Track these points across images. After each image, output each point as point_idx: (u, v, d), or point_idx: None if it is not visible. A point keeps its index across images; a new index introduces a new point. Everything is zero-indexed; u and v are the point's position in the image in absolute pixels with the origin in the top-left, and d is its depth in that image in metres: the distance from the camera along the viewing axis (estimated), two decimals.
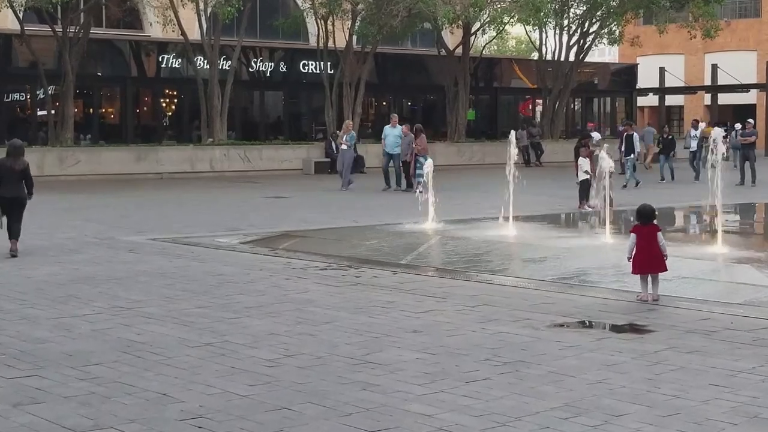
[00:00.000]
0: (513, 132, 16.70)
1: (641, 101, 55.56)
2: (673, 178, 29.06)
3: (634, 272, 9.93)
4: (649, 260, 9.79)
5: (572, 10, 41.60)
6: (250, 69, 38.19)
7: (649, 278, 9.84)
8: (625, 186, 25.40)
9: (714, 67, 50.63)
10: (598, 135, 28.01)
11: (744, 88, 50.83)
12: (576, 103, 50.08)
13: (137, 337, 7.92)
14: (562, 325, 8.64)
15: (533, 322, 8.72)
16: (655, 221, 10.02)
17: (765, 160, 42.24)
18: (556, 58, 42.50)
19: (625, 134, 27.52)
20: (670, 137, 30.51)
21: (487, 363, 7.12)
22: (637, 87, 50.90)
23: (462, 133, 39.93)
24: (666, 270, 9.83)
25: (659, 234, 9.85)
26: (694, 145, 30.19)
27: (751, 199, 22.45)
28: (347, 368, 6.91)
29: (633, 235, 9.93)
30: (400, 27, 35.70)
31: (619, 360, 7.23)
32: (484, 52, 44.92)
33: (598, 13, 40.53)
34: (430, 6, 33.06)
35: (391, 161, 26.33)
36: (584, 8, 40.94)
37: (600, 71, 50.62)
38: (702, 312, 9.14)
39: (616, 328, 8.57)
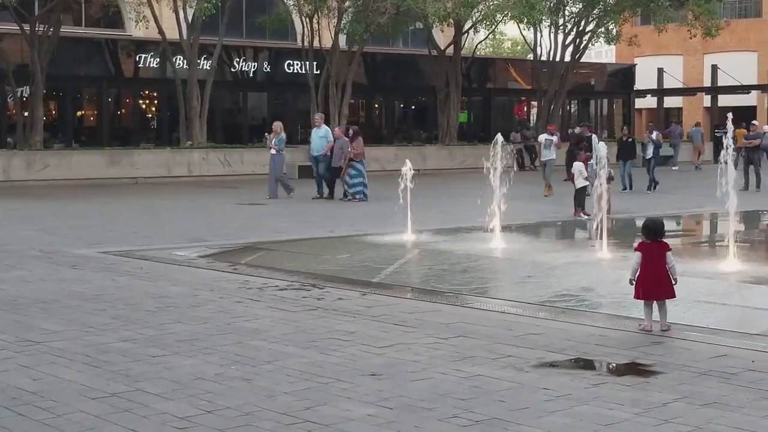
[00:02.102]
0: (499, 134, 15.28)
1: (639, 103, 54.28)
2: (630, 187, 26.24)
3: (637, 297, 8.55)
4: (655, 284, 8.40)
5: (568, 8, 40.22)
6: (232, 69, 36.77)
7: (655, 304, 8.47)
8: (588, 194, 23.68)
9: (714, 68, 49.29)
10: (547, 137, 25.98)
11: (744, 89, 49.52)
12: (572, 104, 48.78)
13: (30, 384, 6.50)
14: (551, 365, 7.24)
15: (517, 361, 7.32)
16: (664, 238, 8.64)
17: (765, 164, 40.98)
18: (551, 59, 41.11)
19: (589, 136, 25.36)
20: (629, 140, 27.94)
21: (454, 422, 5.71)
22: (634, 88, 49.58)
23: (454, 136, 38.54)
24: (674, 296, 8.46)
25: (669, 254, 8.47)
26: (650, 151, 27.34)
27: (757, 205, 21.07)
28: (277, 430, 5.50)
29: (638, 253, 8.54)
30: (389, 25, 34.33)
31: (619, 417, 5.82)
32: (477, 52, 43.57)
33: (595, 12, 39.15)
34: (419, 3, 31.70)
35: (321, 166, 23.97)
36: (580, 6, 39.57)
37: (597, 72, 49.31)
38: (716, 347, 7.76)
39: (615, 370, 7.17)
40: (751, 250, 13.83)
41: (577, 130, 27.24)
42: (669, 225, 18.59)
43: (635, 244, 8.75)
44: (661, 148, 28.79)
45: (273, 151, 23.67)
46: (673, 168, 38.12)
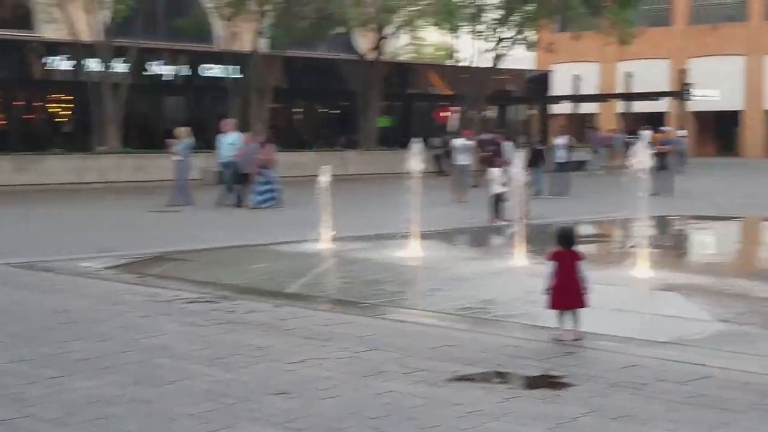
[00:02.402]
0: (415, 139, 15.19)
1: (556, 109, 54.95)
2: (542, 193, 26.10)
3: (550, 307, 8.52)
4: (568, 293, 8.39)
5: (487, 15, 40.44)
6: (149, 72, 36.07)
7: (568, 313, 8.45)
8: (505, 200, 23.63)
9: (627, 75, 50.16)
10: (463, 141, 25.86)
11: (655, 96, 50.48)
12: (491, 110, 49.12)
13: None
14: (464, 379, 7.14)
15: (430, 375, 7.21)
16: (576, 246, 8.63)
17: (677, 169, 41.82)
18: (471, 64, 41.30)
19: (501, 144, 25.44)
20: (539, 148, 27.86)
21: None
22: (551, 95, 50.15)
23: (374, 141, 38.47)
24: (586, 305, 8.45)
25: (581, 263, 8.46)
26: (561, 156, 27.44)
27: (668, 211, 21.37)
28: None
29: (551, 262, 8.52)
30: (310, 30, 34.13)
31: None
32: (398, 57, 43.60)
33: (514, 19, 39.47)
34: (340, 8, 31.55)
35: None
36: (500, 14, 39.85)
37: (515, 78, 49.73)
38: (627, 356, 7.75)
39: (528, 382, 7.11)
40: (662, 256, 13.97)
41: (484, 136, 27.44)
42: (583, 231, 18.78)
43: (548, 254, 8.73)
44: (570, 153, 28.70)
45: (177, 158, 23.15)
46: (598, 172, 38.66)
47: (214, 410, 6.17)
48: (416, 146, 14.53)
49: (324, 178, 15.05)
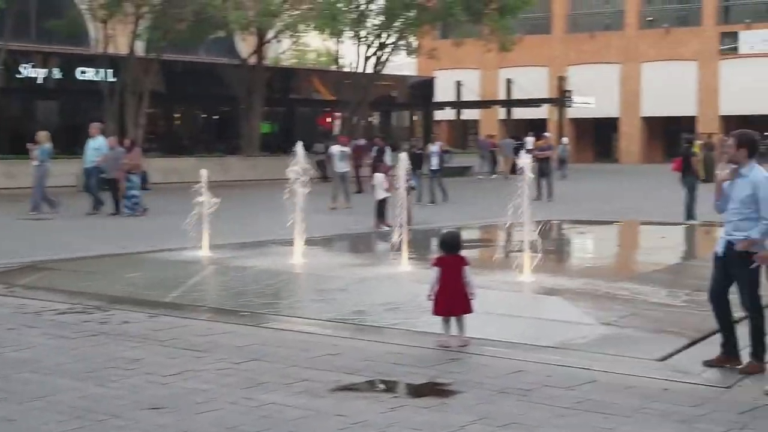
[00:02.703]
0: (300, 143, 14.92)
1: (439, 115, 55.40)
2: (421, 198, 25.24)
3: (435, 313, 8.39)
4: (453, 300, 8.29)
5: (370, 20, 40.44)
6: (18, 75, 34.68)
7: (453, 319, 8.34)
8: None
9: (508, 82, 50.94)
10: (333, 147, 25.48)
11: (536, 102, 51.40)
12: (375, 116, 49.18)
13: None
14: (347, 388, 6.92)
15: (313, 385, 6.97)
16: (461, 252, 8.52)
17: (557, 174, 42.56)
18: (354, 70, 41.21)
19: (377, 148, 25.45)
20: (418, 152, 26.99)
21: None
22: (434, 101, 50.52)
23: (256, 147, 37.97)
24: (471, 311, 8.35)
25: (466, 268, 8.37)
26: (435, 163, 26.72)
27: (549, 215, 21.62)
28: None
29: (436, 268, 8.40)
30: (189, 33, 33.45)
31: None
32: (281, 62, 43.17)
33: (396, 25, 39.54)
34: (220, 11, 31.01)
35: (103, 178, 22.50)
36: (382, 19, 39.87)
37: (398, 84, 49.90)
38: (513, 361, 7.68)
39: (414, 390, 6.94)
40: (545, 260, 14.00)
41: (362, 141, 27.17)
42: (466, 236, 18.80)
43: (433, 259, 8.60)
44: (445, 159, 28.61)
45: (35, 163, 22.24)
46: (492, 177, 39.09)
47: (82, 428, 5.80)
48: (298, 151, 14.26)
49: (203, 184, 14.61)
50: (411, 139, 29.34)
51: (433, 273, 8.42)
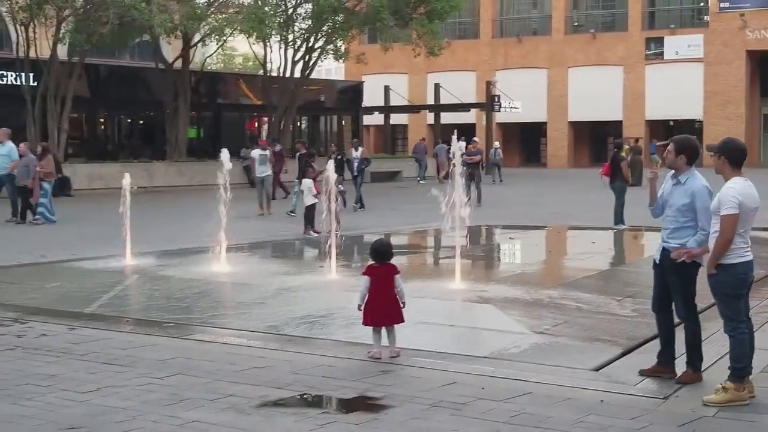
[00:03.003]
0: (225, 149, 14.60)
1: (367, 120, 55.21)
2: (345, 204, 24.16)
3: (366, 323, 8.17)
4: (384, 310, 8.07)
5: (297, 24, 40.14)
6: None
7: (384, 330, 8.13)
8: (293, 213, 22.53)
9: (436, 87, 51.01)
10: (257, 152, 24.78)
11: (464, 107, 51.53)
12: (303, 121, 48.85)
13: None
14: (275, 404, 6.66)
15: (239, 401, 6.70)
16: (392, 260, 8.31)
17: (486, 178, 42.70)
18: (281, 74, 40.83)
19: (298, 154, 24.11)
20: (339, 157, 26.18)
21: None
22: (362, 105, 50.37)
23: (183, 152, 37.36)
24: (403, 321, 8.14)
25: (397, 276, 8.15)
26: (355, 167, 26.52)
27: (478, 221, 21.58)
28: None
29: (366, 277, 8.17)
30: (113, 36, 32.74)
31: None
32: (207, 66, 42.58)
33: (324, 29, 39.29)
34: (144, 14, 30.39)
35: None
36: (309, 23, 39.59)
37: (327, 89, 49.66)
38: (446, 373, 7.49)
39: (344, 405, 6.71)
40: (475, 267, 13.93)
41: (278, 147, 26.60)
42: (397, 243, 18.62)
43: (363, 268, 8.38)
44: (367, 165, 28.03)
45: None
46: (420, 182, 38.94)
47: None
48: (224, 157, 13.96)
49: (126, 190, 14.20)
50: (331, 145, 28.28)
51: (363, 282, 8.20)
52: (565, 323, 9.28)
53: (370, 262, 8.33)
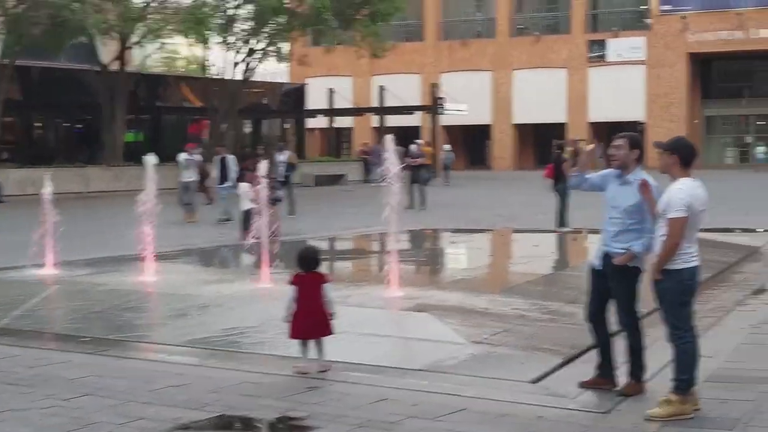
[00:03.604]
0: (151, 155, 14.01)
1: (312, 123, 54.73)
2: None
3: (292, 336, 7.66)
4: (311, 321, 7.57)
5: (238, 25, 39.46)
6: None
7: (312, 342, 7.63)
8: (221, 220, 21.81)
9: (381, 89, 50.62)
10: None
11: (409, 110, 51.23)
12: (246, 124, 48.18)
13: None
14: (186, 428, 6.12)
15: (149, 425, 6.16)
16: (320, 268, 7.81)
17: (437, 181, 42.43)
18: (222, 77, 40.13)
19: (219, 158, 23.30)
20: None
21: None
22: (306, 108, 49.84)
23: (120, 157, 36.47)
24: (332, 333, 7.65)
25: (325, 286, 7.65)
26: (281, 172, 24.70)
27: (421, 224, 21.18)
28: None
29: (292, 287, 7.67)
30: (46, 38, 31.87)
31: None
32: (147, 69, 41.73)
33: (265, 30, 38.68)
34: (77, 14, 29.57)
35: None
36: (250, 24, 38.96)
37: (270, 91, 49.02)
38: (377, 388, 7.02)
39: (265, 427, 6.20)
40: (415, 273, 13.49)
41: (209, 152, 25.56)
42: (336, 247, 18.12)
43: (289, 278, 7.86)
44: (293, 170, 27.12)
45: None
46: (381, 184, 38.42)
47: None
48: (150, 161, 13.37)
49: (47, 195, 13.54)
50: (257, 147, 26.99)
51: (290, 292, 7.69)
52: (505, 332, 8.85)
53: (297, 271, 7.83)
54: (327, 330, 7.64)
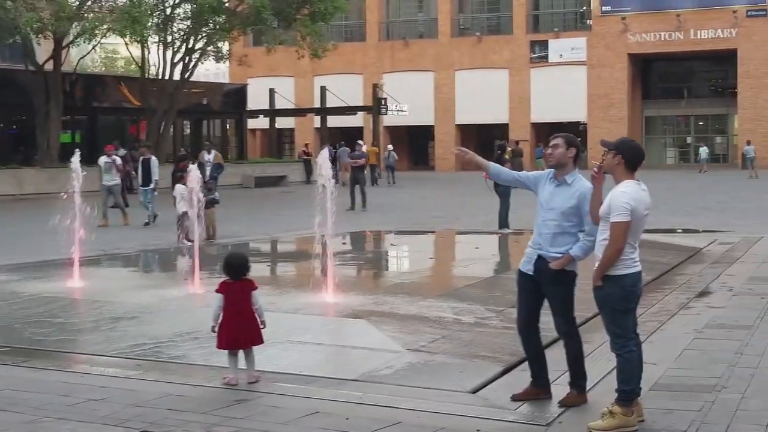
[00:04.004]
0: (76, 155, 13.51)
1: (254, 124, 54.16)
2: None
3: (220, 347, 7.30)
4: (239, 330, 7.22)
5: (176, 24, 38.80)
6: None
7: (242, 352, 7.27)
8: (147, 223, 21.22)
9: (322, 89, 50.20)
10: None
11: (351, 110, 50.89)
12: (186, 124, 47.47)
13: None
14: None
15: None
16: (249, 275, 7.43)
17: (381, 181, 42.13)
18: (160, 76, 39.40)
19: (141, 159, 22.36)
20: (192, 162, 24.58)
21: None
22: (247, 108, 49.25)
23: (55, 158, 35.58)
24: (262, 342, 7.30)
25: (255, 293, 7.29)
26: (208, 173, 24.47)
27: (362, 226, 20.86)
28: None
29: (219, 295, 7.30)
30: None
31: None
32: (87, 69, 40.84)
33: (204, 30, 38.06)
34: (9, 13, 28.75)
35: None
36: (189, 23, 38.31)
37: (210, 92, 48.33)
38: (309, 400, 6.68)
39: None
40: (352, 277, 13.13)
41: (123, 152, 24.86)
42: (272, 250, 17.69)
43: (217, 286, 7.48)
44: (220, 171, 26.38)
45: None
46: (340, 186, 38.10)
47: None
48: (74, 162, 12.89)
49: None
50: (180, 149, 25.56)
51: (216, 300, 7.32)
52: (443, 338, 8.54)
53: (224, 278, 7.46)
54: (257, 339, 7.29)
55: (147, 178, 21.76)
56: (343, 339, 8.75)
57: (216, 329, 7.28)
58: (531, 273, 6.48)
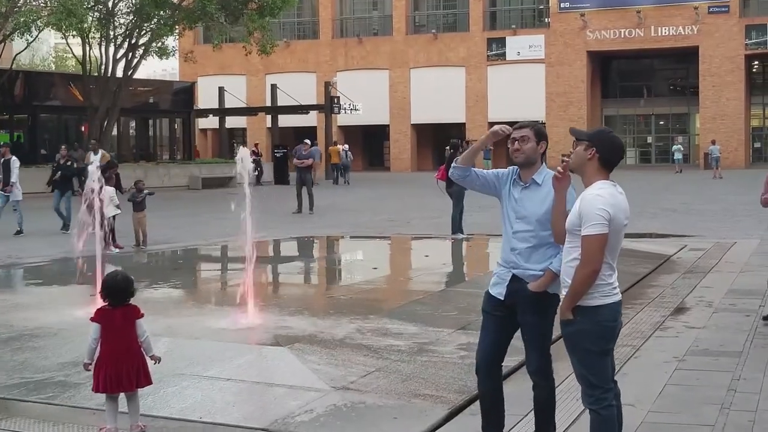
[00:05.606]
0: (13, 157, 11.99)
1: (204, 123, 52.56)
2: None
3: (96, 390, 5.82)
4: (120, 369, 5.75)
5: (118, 19, 37.06)
6: None
7: (124, 396, 5.81)
8: (19, 232, 19.03)
9: (273, 88, 48.65)
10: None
11: (303, 109, 49.42)
12: (131, 124, 45.76)
13: None
14: None
15: None
16: (132, 300, 5.95)
17: (341, 180, 40.81)
18: (102, 73, 37.62)
19: (2, 160, 19.36)
20: (68, 163, 21.56)
21: None
22: (196, 107, 47.61)
23: None
24: (149, 383, 5.85)
25: (140, 322, 5.83)
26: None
27: (306, 231, 19.42)
28: None
29: (95, 325, 5.81)
30: None
31: None
32: (22, 66, 38.97)
33: (148, 25, 36.36)
34: None
35: None
36: (132, 18, 36.60)
37: (157, 90, 46.61)
38: None
39: None
40: (280, 292, 11.68)
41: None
42: (196, 258, 16.07)
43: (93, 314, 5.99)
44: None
45: None
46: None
47: None
48: (14, 164, 11.33)
49: None
50: (62, 148, 23.09)
51: (92, 332, 5.83)
52: (378, 371, 7.11)
53: (102, 303, 5.98)
54: (143, 379, 5.83)
55: (6, 180, 19.22)
56: (258, 373, 7.28)
57: (91, 367, 5.82)
58: (502, 298, 5.09)
